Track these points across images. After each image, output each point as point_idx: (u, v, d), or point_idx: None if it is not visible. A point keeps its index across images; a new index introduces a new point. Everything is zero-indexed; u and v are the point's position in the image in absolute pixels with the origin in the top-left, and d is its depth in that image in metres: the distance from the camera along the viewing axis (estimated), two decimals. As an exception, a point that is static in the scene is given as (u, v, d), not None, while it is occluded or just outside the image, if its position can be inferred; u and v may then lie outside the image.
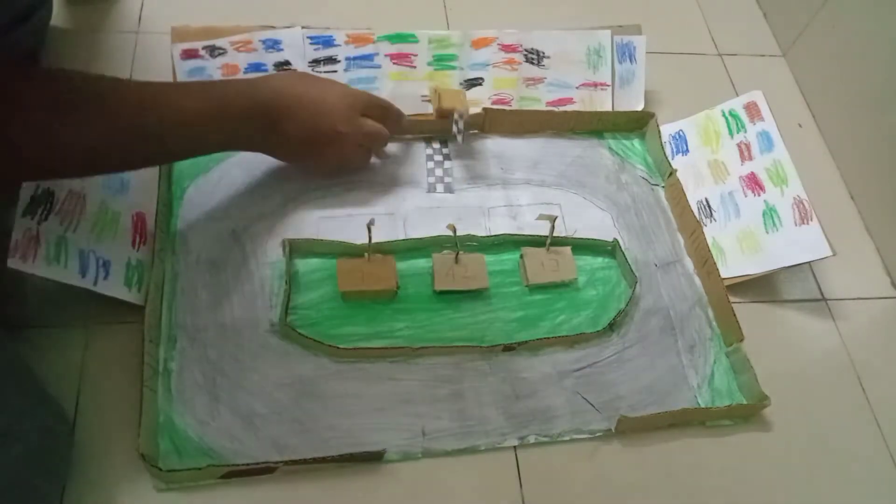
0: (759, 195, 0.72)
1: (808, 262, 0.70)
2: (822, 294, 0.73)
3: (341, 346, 0.60)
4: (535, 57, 0.79)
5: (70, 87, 0.49)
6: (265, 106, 0.59)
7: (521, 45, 0.79)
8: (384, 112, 0.68)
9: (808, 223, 0.68)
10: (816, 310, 0.72)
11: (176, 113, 0.54)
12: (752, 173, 0.73)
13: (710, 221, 0.73)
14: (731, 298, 0.67)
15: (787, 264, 0.68)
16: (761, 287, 0.70)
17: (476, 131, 0.76)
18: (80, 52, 0.74)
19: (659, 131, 0.77)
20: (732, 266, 0.70)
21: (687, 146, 0.78)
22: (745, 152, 0.74)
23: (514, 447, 0.59)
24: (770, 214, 0.70)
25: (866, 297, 0.74)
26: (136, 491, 0.53)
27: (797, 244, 0.68)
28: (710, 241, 0.71)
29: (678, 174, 0.74)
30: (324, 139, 0.63)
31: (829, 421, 0.65)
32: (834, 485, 0.62)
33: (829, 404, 0.66)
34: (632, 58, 0.81)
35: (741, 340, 0.64)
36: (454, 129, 0.70)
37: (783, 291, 0.72)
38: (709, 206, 0.74)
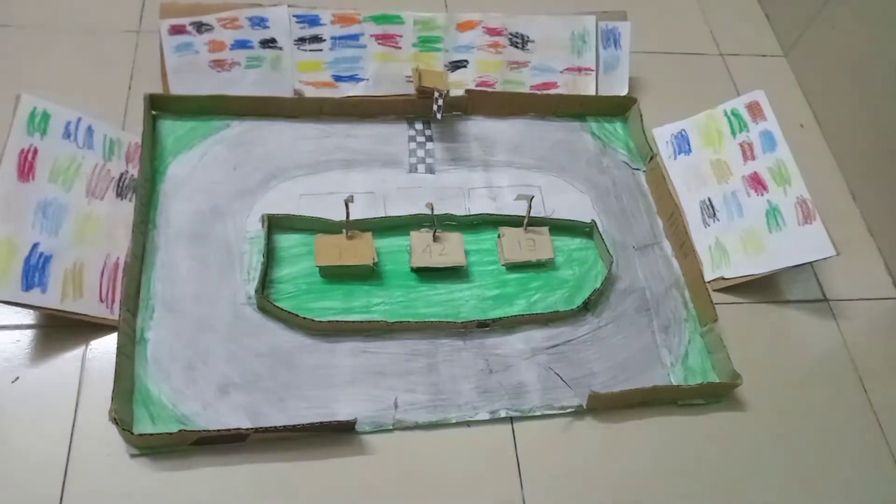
0: (762, 194, 0.71)
1: (811, 262, 0.69)
2: (824, 294, 0.72)
3: (316, 319, 0.60)
4: (519, 41, 0.80)
5: None
6: None
7: (506, 29, 0.80)
8: None
9: (811, 223, 0.67)
10: (818, 310, 0.71)
11: None
12: (755, 173, 0.72)
13: (714, 221, 0.72)
14: (734, 299, 0.67)
15: (790, 264, 0.67)
16: (764, 287, 0.70)
17: (458, 113, 0.77)
18: (79, 52, 0.75)
19: (641, 116, 0.77)
20: (736, 267, 0.69)
21: (689, 146, 0.77)
22: (747, 152, 0.74)
23: (486, 421, 0.59)
24: (773, 214, 0.69)
25: (868, 297, 0.73)
26: (133, 490, 0.53)
27: (800, 244, 0.67)
28: (713, 242, 0.71)
29: (667, 166, 0.73)
30: None
31: (830, 421, 0.65)
32: (834, 484, 0.62)
33: (831, 404, 0.66)
34: (616, 43, 0.81)
35: (715, 321, 0.64)
36: (434, 106, 0.70)
37: (785, 292, 0.72)
38: (712, 206, 0.73)
